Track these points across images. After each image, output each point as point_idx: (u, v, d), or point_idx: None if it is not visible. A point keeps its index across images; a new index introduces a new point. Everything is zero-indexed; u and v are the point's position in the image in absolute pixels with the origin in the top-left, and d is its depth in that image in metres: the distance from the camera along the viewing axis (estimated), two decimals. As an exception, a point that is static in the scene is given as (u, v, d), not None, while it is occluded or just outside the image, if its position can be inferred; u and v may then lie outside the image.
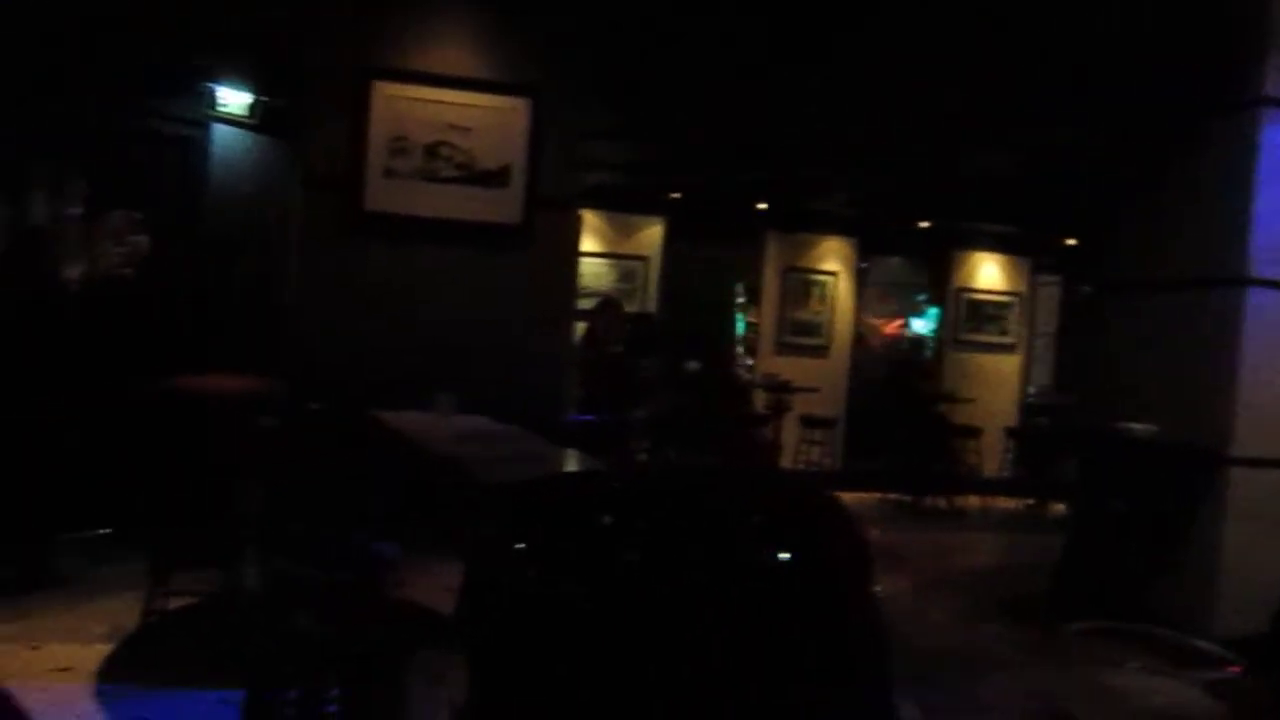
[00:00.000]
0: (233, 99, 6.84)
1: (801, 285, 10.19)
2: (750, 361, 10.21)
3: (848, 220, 10.21)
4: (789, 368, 9.63)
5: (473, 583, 1.19)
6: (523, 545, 1.13)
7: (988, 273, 10.79)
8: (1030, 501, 9.51)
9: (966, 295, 10.70)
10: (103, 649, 3.98)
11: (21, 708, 3.36)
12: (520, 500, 1.22)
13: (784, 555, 1.14)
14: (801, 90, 6.27)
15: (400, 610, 3.25)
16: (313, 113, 5.05)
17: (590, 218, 9.55)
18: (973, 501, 9.41)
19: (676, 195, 9.75)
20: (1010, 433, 10.27)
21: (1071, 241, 10.49)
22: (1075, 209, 8.87)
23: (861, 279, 10.53)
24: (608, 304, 7.52)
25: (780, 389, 8.98)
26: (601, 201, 9.43)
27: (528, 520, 1.20)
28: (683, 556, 1.07)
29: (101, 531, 5.37)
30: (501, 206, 5.08)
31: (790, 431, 9.32)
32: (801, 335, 10.17)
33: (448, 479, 3.31)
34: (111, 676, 3.77)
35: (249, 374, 4.81)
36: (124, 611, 4.23)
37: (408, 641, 3.09)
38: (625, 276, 9.82)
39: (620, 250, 9.90)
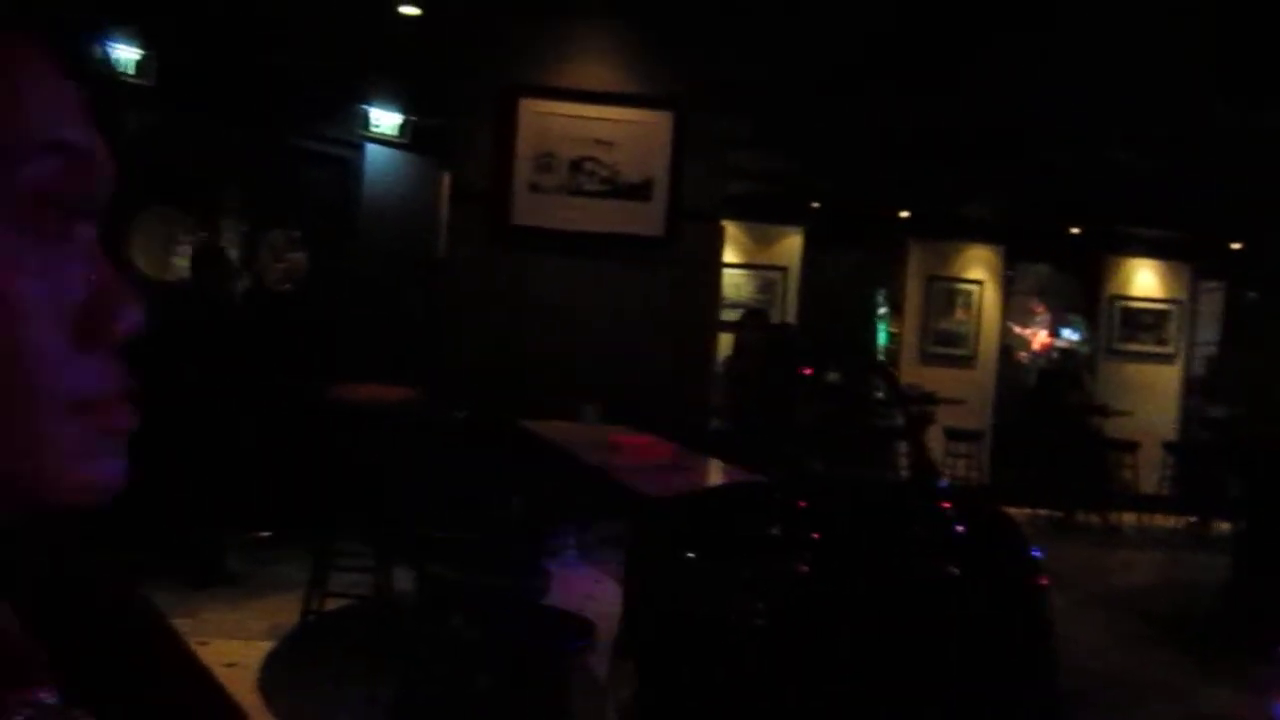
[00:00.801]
0: (385, 120, 7.11)
1: (946, 294, 9.95)
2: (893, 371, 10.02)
3: (993, 227, 9.93)
4: (933, 379, 9.41)
5: (641, 591, 1.20)
6: (692, 555, 1.14)
7: (1144, 279, 10.33)
8: (1192, 519, 9.04)
9: (1121, 303, 10.27)
10: (264, 646, 4.17)
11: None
12: (689, 511, 1.22)
13: (956, 568, 1.12)
14: (946, 90, 6.14)
15: (550, 615, 3.29)
16: (461, 130, 5.20)
17: (728, 228, 9.54)
18: (1128, 518, 9.01)
19: (816, 204, 9.65)
20: (1169, 447, 9.79)
21: (1237, 245, 9.95)
22: (1239, 208, 8.42)
23: (1008, 287, 10.22)
24: (753, 315, 7.51)
25: (924, 400, 8.78)
26: (739, 211, 9.41)
27: (697, 530, 1.21)
28: (855, 568, 1.05)
29: (264, 534, 5.65)
30: (645, 219, 5.12)
31: (935, 444, 9.11)
32: (946, 345, 9.92)
33: (596, 488, 3.35)
34: (272, 673, 3.95)
35: (402, 383, 4.98)
36: (284, 611, 4.42)
37: (558, 646, 3.14)
38: (764, 287, 9.77)
39: (758, 261, 9.85)
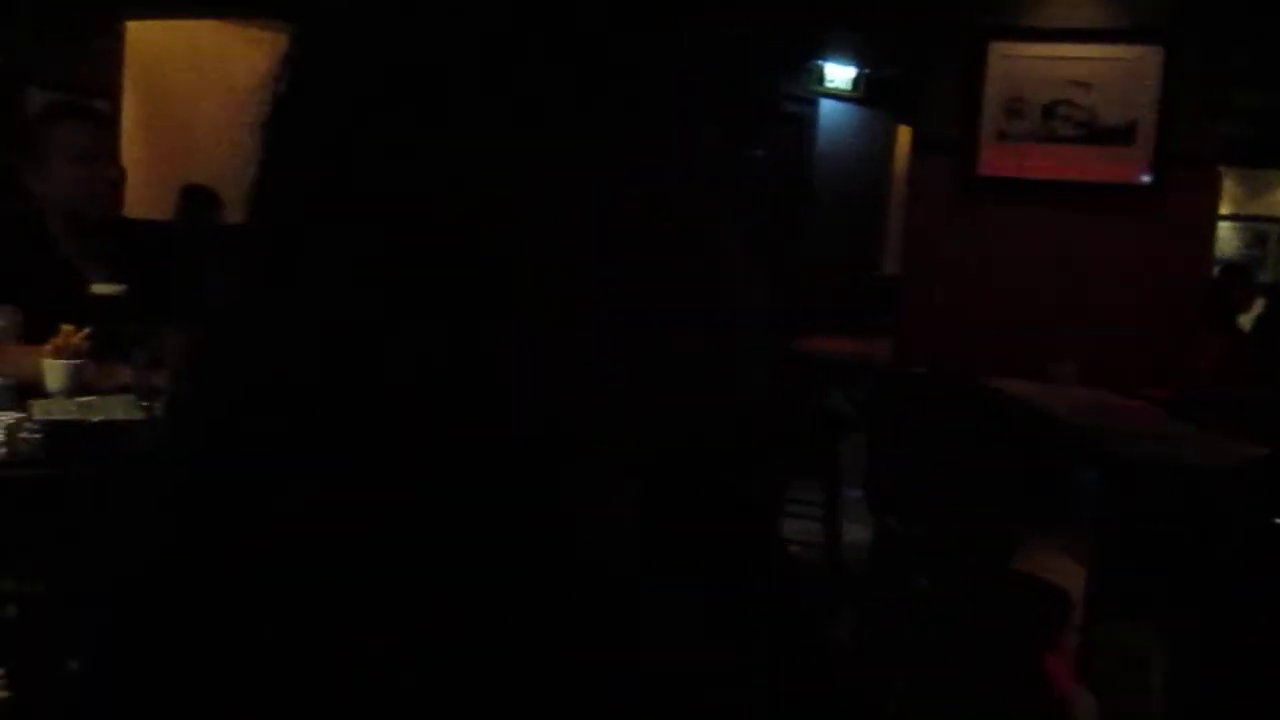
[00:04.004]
0: (838, 74, 7.11)
1: None
2: None
3: None
4: None
5: (1204, 558, 1.10)
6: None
7: None
8: None
9: None
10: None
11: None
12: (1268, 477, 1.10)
13: None
14: None
15: (1023, 581, 3.16)
16: (924, 79, 5.07)
17: (1211, 175, 8.54)
18: None
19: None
20: None
21: None
22: None
23: None
24: (1234, 270, 6.70)
25: None
26: (1226, 156, 8.38)
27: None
28: None
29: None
30: (1126, 166, 4.70)
31: None
32: None
33: (1080, 452, 3.15)
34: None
35: (856, 338, 4.99)
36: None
37: (1036, 612, 3.00)
38: (1254, 241, 8.65)
39: (1247, 211, 8.73)
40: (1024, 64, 4.78)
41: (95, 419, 2.35)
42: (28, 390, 2.43)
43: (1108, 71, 4.73)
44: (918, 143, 5.11)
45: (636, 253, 0.48)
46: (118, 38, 6.87)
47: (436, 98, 0.45)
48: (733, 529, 0.61)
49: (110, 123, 3.01)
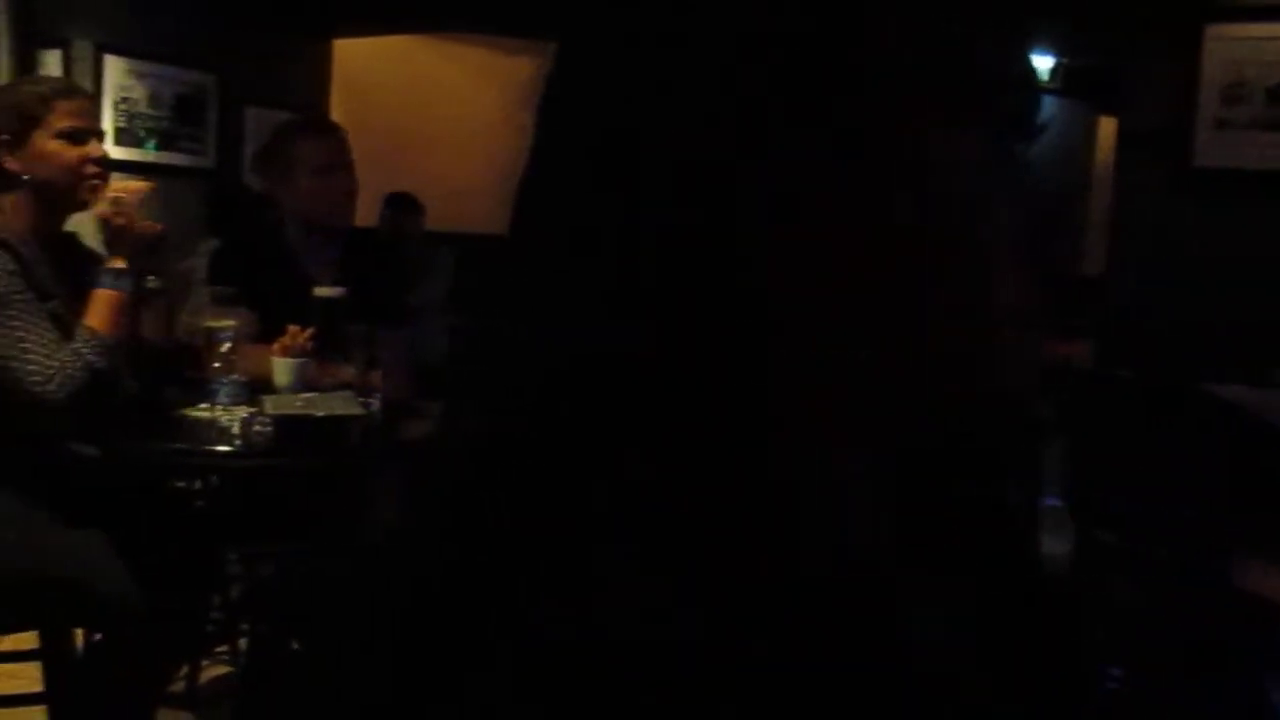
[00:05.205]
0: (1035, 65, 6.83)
1: None
2: None
3: None
4: None
5: None
6: None
7: None
8: None
9: None
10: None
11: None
12: None
13: None
14: None
15: (1241, 599, 2.97)
16: (1131, 67, 4.83)
17: None
18: None
19: None
20: None
21: None
22: None
23: None
24: None
25: None
26: None
27: None
28: None
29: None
30: (1365, 152, 4.35)
31: None
32: None
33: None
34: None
35: (1054, 339, 4.78)
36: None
37: (1256, 632, 2.82)
38: None
39: None
40: (1245, 46, 4.49)
41: (319, 414, 2.51)
42: (259, 386, 2.62)
43: (1342, 50, 4.39)
44: (1124, 135, 4.87)
45: (905, 244, 0.48)
46: (326, 56, 7.31)
47: (748, 123, 0.47)
48: (988, 532, 0.61)
49: (347, 137, 3.10)
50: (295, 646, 3.11)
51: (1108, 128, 6.87)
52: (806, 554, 0.48)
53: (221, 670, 3.46)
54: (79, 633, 2.66)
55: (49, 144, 2.38)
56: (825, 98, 0.47)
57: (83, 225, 2.62)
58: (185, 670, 3.15)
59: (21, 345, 2.17)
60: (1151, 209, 4.63)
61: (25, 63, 4.41)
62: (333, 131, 3.15)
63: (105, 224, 2.42)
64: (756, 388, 0.48)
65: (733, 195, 0.47)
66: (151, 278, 2.53)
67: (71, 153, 2.40)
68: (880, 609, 0.50)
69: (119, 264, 2.40)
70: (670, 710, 0.44)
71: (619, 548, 0.46)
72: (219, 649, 3.51)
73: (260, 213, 3.21)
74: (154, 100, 5.87)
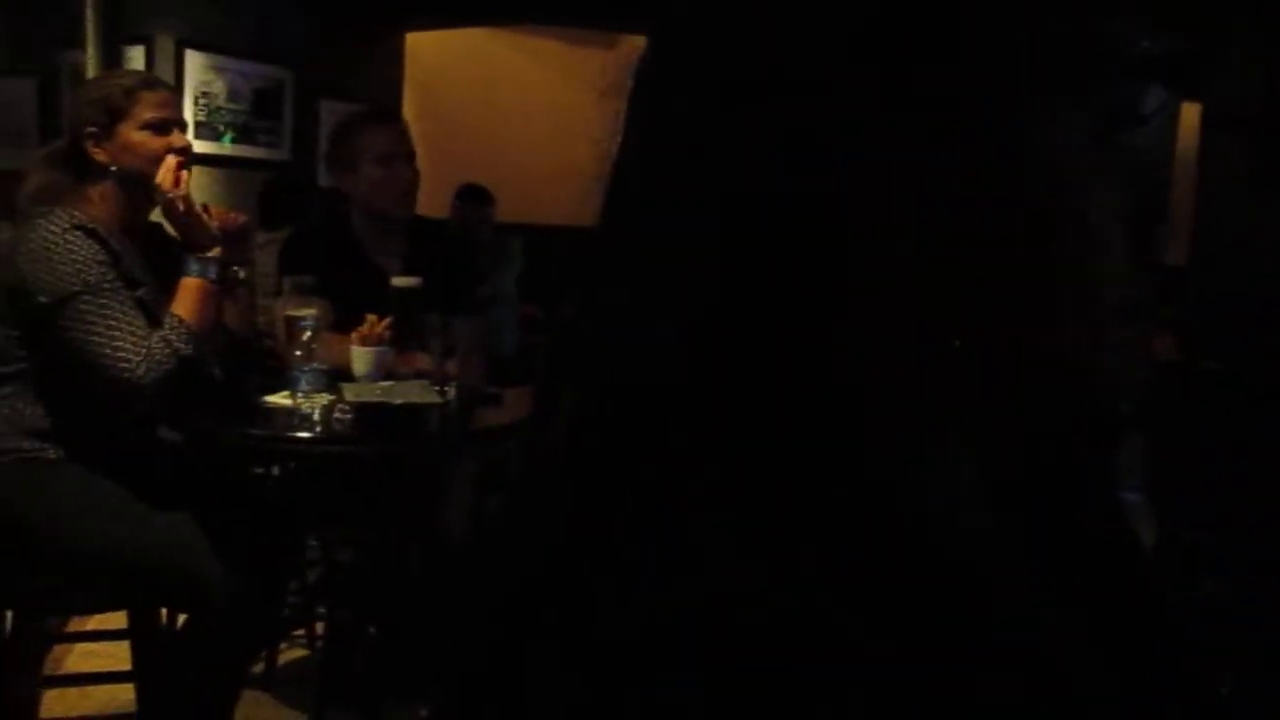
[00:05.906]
0: (1114, 49, 6.67)
1: None
2: None
3: None
4: None
5: None
6: None
7: None
8: None
9: None
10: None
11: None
12: None
13: None
14: None
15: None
16: (1217, 49, 4.69)
17: None
18: None
19: None
20: None
21: None
22: None
23: None
24: None
25: None
26: None
27: None
28: None
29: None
30: None
31: None
32: None
33: None
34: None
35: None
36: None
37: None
38: None
39: None
40: (1339, 28, 4.33)
41: (397, 401, 2.54)
42: (338, 374, 2.66)
43: None
44: (1210, 120, 4.73)
45: (1007, 227, 0.47)
46: (399, 50, 7.39)
47: (830, 96, 0.46)
48: (1089, 519, 0.59)
49: (408, 128, 3.11)
50: (371, 632, 3.17)
51: (1190, 113, 6.68)
52: (904, 542, 0.48)
53: (299, 654, 3.53)
54: (163, 612, 2.74)
55: (134, 135, 2.43)
56: (932, 71, 0.46)
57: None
58: (264, 653, 3.22)
59: (112, 332, 2.22)
60: (1237, 196, 4.50)
61: (111, 58, 4.54)
62: (393, 121, 3.17)
63: (169, 213, 2.46)
64: (857, 373, 0.47)
65: (838, 171, 0.46)
66: (236, 268, 2.58)
67: (156, 142, 2.44)
68: (982, 602, 0.49)
69: (211, 253, 2.45)
70: (756, 691, 0.44)
71: (718, 531, 0.46)
72: (296, 632, 3.58)
73: (328, 204, 3.25)
74: (232, 94, 5.99)
